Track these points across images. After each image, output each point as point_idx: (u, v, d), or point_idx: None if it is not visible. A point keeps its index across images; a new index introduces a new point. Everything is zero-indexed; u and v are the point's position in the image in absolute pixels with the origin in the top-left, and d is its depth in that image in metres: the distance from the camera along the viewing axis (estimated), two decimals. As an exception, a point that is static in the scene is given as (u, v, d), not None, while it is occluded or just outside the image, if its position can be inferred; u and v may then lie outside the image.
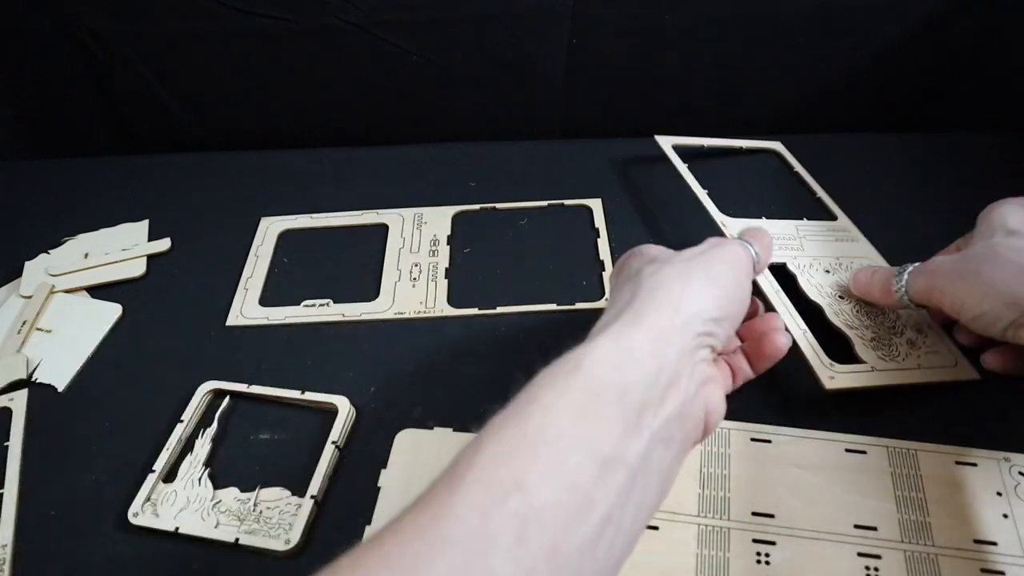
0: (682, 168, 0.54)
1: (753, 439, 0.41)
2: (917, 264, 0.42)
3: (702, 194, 0.51)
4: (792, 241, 0.50)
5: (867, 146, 0.63)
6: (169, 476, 0.43)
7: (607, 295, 0.39)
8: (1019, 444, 0.40)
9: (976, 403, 0.43)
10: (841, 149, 0.62)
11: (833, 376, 0.42)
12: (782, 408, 0.43)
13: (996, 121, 0.65)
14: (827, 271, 0.48)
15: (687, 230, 0.54)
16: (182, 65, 0.66)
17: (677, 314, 0.30)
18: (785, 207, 0.56)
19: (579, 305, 0.50)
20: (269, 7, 0.61)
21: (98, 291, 0.55)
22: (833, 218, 0.54)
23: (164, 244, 0.57)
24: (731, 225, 0.50)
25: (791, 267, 0.48)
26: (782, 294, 0.46)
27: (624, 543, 0.27)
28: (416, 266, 0.54)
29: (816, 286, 0.47)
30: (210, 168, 0.65)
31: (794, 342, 0.41)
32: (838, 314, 0.46)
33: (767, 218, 0.52)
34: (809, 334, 0.44)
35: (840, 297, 0.47)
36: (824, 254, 0.50)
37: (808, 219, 0.53)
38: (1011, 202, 0.41)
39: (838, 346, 0.44)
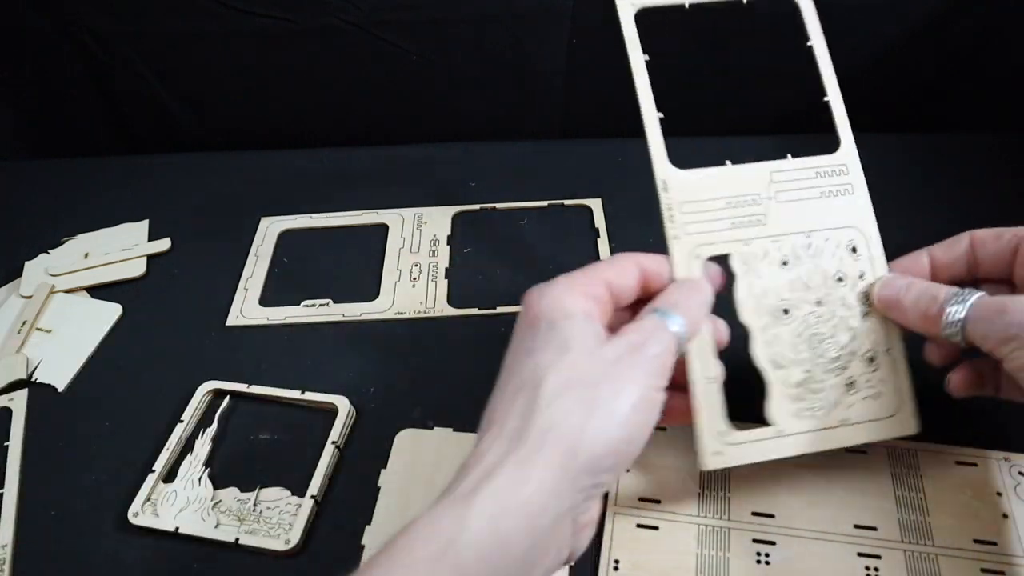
0: (637, 59, 0.38)
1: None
2: (983, 295, 0.33)
3: (651, 119, 0.37)
4: (754, 208, 0.36)
5: (867, 146, 0.63)
6: (169, 476, 0.43)
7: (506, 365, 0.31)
8: (1019, 444, 0.40)
9: (976, 403, 0.43)
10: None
11: (720, 451, 0.34)
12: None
13: (996, 121, 0.65)
14: (784, 262, 0.36)
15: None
16: (182, 65, 0.66)
17: (573, 459, 0.27)
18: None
19: (579, 305, 0.50)
20: (269, 7, 0.61)
21: (98, 291, 0.55)
22: (833, 147, 0.38)
23: (164, 244, 0.57)
24: (673, 183, 0.36)
25: (735, 264, 0.35)
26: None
27: None
28: (416, 266, 0.54)
29: (757, 296, 0.36)
30: (210, 168, 0.65)
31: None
32: (769, 343, 0.35)
33: (732, 162, 0.36)
34: (716, 384, 0.34)
35: (785, 312, 0.35)
36: (794, 228, 0.36)
37: (794, 154, 0.37)
38: None
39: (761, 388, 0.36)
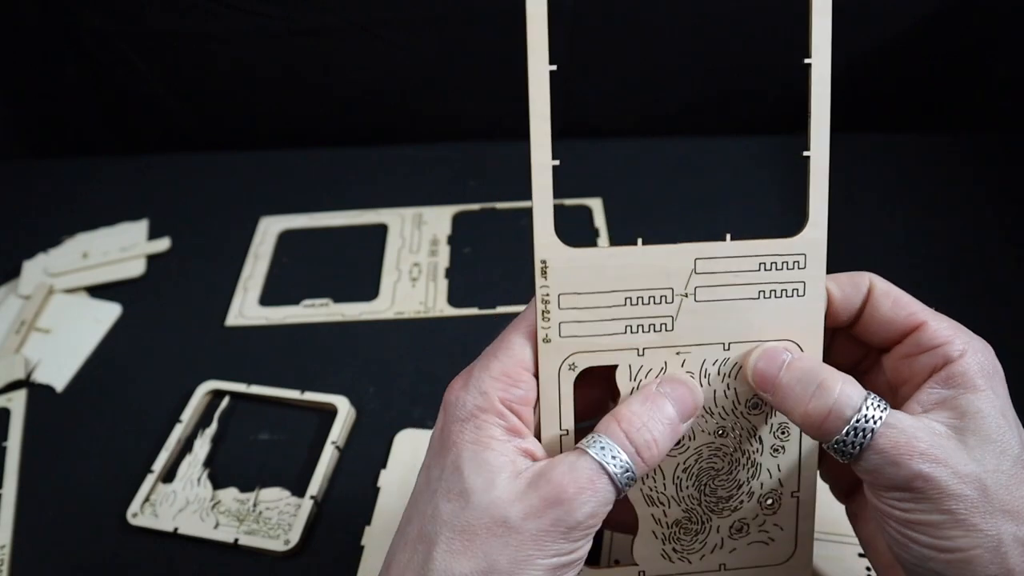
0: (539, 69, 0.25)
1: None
2: (884, 416, 0.25)
3: (543, 164, 0.25)
4: (662, 308, 0.27)
5: (867, 146, 0.63)
6: (168, 476, 0.43)
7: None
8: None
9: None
10: (841, 149, 0.62)
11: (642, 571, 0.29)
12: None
13: (996, 121, 0.65)
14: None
15: (687, 230, 0.54)
16: (182, 65, 0.66)
17: None
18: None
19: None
20: (269, 7, 0.61)
21: (97, 291, 0.55)
22: (795, 228, 0.29)
23: (163, 244, 0.57)
24: (557, 266, 0.26)
25: (620, 380, 0.27)
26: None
27: None
28: (416, 266, 0.54)
29: None
30: (210, 168, 0.65)
31: None
32: (649, 477, 0.29)
33: (644, 243, 0.27)
34: None
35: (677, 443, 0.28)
36: (709, 338, 0.27)
37: (735, 236, 0.28)
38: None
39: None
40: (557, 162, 0.26)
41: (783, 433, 0.29)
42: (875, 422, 0.25)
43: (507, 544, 0.23)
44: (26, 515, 0.42)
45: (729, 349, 0.28)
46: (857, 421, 0.25)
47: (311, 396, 0.45)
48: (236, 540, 0.39)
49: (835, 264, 0.45)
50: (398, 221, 0.58)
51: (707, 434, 0.28)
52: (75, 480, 0.43)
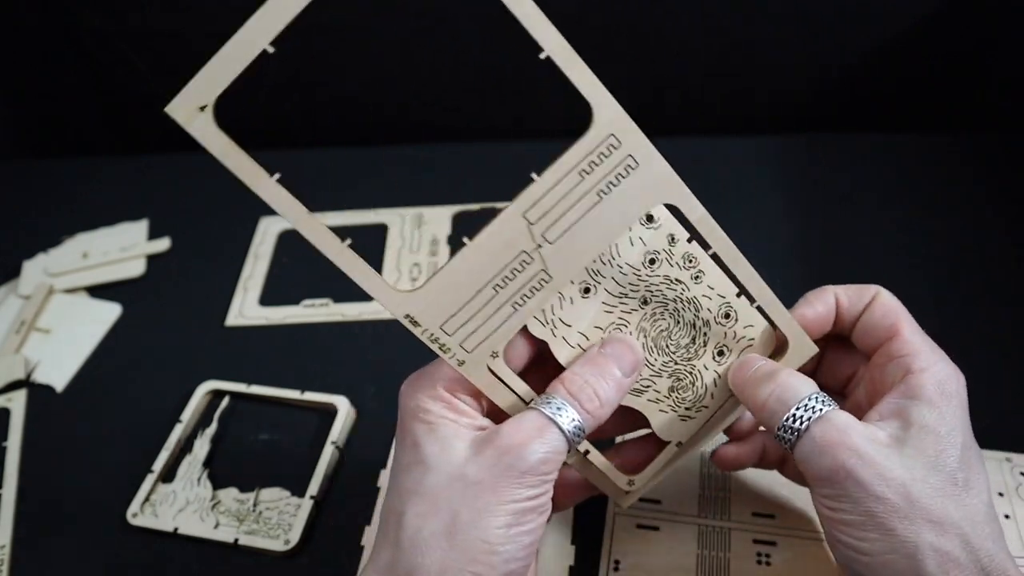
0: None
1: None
2: (832, 407, 0.26)
3: (340, 252, 0.30)
4: (529, 269, 0.28)
5: (867, 146, 0.63)
6: (168, 476, 0.43)
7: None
8: (1020, 444, 0.40)
9: (977, 403, 0.43)
10: (841, 149, 0.62)
11: (630, 488, 0.32)
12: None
13: (996, 121, 0.65)
14: (585, 291, 0.29)
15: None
16: (182, 65, 0.66)
17: None
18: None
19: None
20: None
21: (97, 291, 0.55)
22: (586, 121, 0.28)
23: (163, 244, 0.57)
24: (418, 309, 0.28)
25: (536, 331, 0.29)
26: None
27: None
28: (416, 266, 0.54)
29: (576, 345, 0.30)
30: (210, 168, 0.65)
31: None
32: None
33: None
34: (591, 455, 0.31)
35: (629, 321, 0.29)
36: (584, 260, 0.28)
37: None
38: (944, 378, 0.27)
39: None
40: (349, 241, 0.28)
41: (690, 262, 0.29)
42: (815, 412, 0.26)
43: (466, 496, 0.25)
44: (26, 515, 0.42)
45: (611, 248, 0.28)
46: (798, 409, 0.26)
47: (311, 396, 0.45)
48: (236, 540, 0.39)
49: (835, 264, 0.46)
50: (398, 221, 0.58)
51: (635, 313, 0.30)
52: (75, 480, 0.43)
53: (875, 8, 0.61)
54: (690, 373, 0.31)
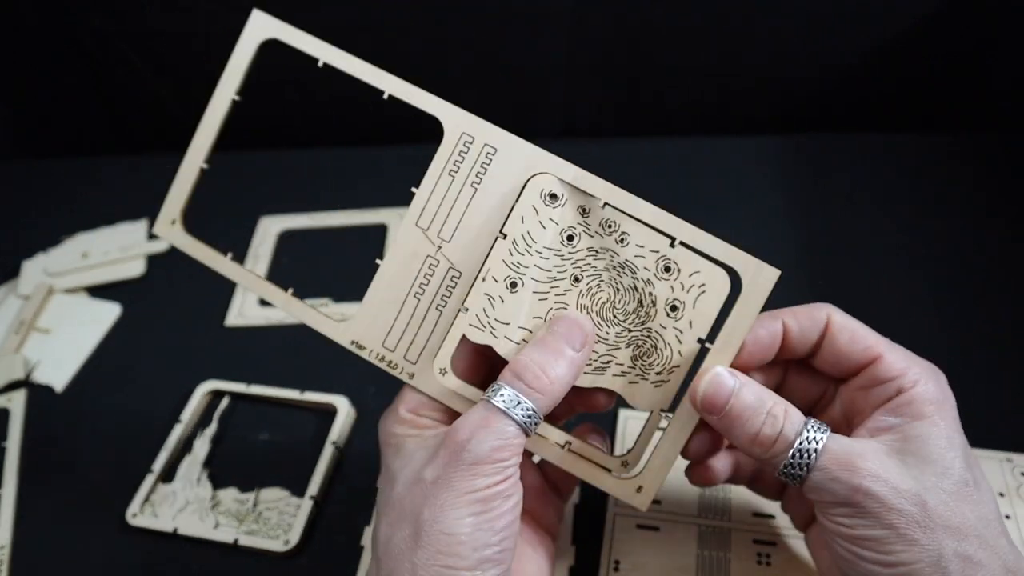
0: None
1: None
2: (825, 438, 0.26)
3: (276, 295, 0.32)
4: (440, 270, 0.30)
5: (867, 146, 0.63)
6: (168, 476, 0.43)
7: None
8: (1021, 444, 0.40)
9: (977, 403, 0.43)
10: (841, 149, 0.62)
11: (639, 486, 0.30)
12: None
13: (996, 121, 0.65)
14: (512, 285, 0.29)
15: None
16: (182, 65, 0.66)
17: None
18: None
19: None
20: (268, 7, 0.61)
21: (97, 291, 0.55)
22: (438, 132, 0.31)
23: (163, 244, 0.57)
24: (361, 332, 0.31)
25: (476, 338, 0.30)
26: None
27: None
28: (416, 266, 0.54)
29: (521, 342, 0.29)
30: (210, 168, 0.65)
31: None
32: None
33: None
34: (578, 447, 0.30)
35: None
36: (486, 242, 0.30)
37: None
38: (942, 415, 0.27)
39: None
40: (292, 289, 0.32)
41: (610, 227, 0.29)
42: (817, 443, 0.26)
43: (427, 497, 0.26)
44: (26, 515, 0.42)
45: (504, 235, 0.29)
46: (800, 444, 0.26)
47: (311, 396, 0.45)
48: (236, 540, 0.39)
49: (836, 263, 0.45)
50: (398, 221, 0.58)
51: (572, 291, 0.29)
52: (75, 480, 0.43)
53: (875, 8, 0.61)
54: (648, 338, 0.29)
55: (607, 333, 0.29)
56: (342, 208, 0.59)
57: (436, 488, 0.26)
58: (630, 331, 0.29)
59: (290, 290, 0.32)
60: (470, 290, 0.29)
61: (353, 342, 0.31)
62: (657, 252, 0.29)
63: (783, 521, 0.37)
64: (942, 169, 0.59)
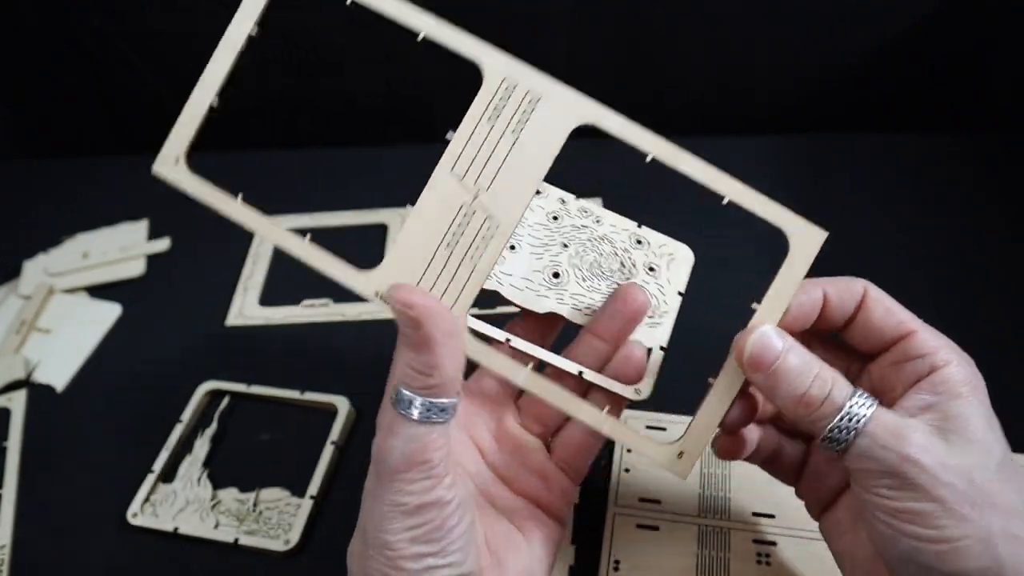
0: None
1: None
2: (875, 406, 0.26)
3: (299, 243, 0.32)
4: (476, 221, 0.30)
5: (867, 146, 0.63)
6: (168, 476, 0.43)
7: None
8: (1021, 444, 0.40)
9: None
10: (841, 149, 0.62)
11: (682, 451, 0.29)
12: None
13: (996, 121, 0.65)
14: (512, 248, 0.32)
15: (688, 230, 0.54)
16: (182, 65, 0.66)
17: None
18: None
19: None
20: (268, 6, 0.61)
21: (97, 291, 0.55)
22: (477, 82, 0.31)
23: (163, 244, 0.57)
24: (384, 279, 0.31)
25: (504, 291, 0.32)
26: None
27: None
28: (416, 266, 0.54)
29: (531, 301, 0.32)
30: (210, 168, 0.65)
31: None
32: (580, 313, 0.32)
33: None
34: (611, 422, 0.30)
35: (555, 276, 0.32)
36: (523, 197, 0.30)
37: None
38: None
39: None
40: (309, 235, 0.31)
41: (586, 212, 0.33)
42: (867, 408, 0.26)
43: (368, 509, 0.27)
44: (26, 515, 0.42)
45: (540, 190, 0.31)
46: (851, 407, 0.26)
47: (311, 396, 0.45)
48: (236, 540, 0.39)
49: (836, 263, 0.45)
50: (398, 221, 0.58)
51: (563, 253, 0.32)
52: (75, 480, 0.43)
53: (875, 8, 0.61)
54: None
55: (598, 285, 0.32)
56: (342, 208, 0.59)
57: (372, 500, 0.26)
58: (618, 284, 0.32)
59: (308, 236, 0.30)
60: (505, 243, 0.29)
61: (378, 293, 0.30)
62: (628, 230, 0.32)
63: (783, 521, 0.37)
64: (942, 169, 0.59)
